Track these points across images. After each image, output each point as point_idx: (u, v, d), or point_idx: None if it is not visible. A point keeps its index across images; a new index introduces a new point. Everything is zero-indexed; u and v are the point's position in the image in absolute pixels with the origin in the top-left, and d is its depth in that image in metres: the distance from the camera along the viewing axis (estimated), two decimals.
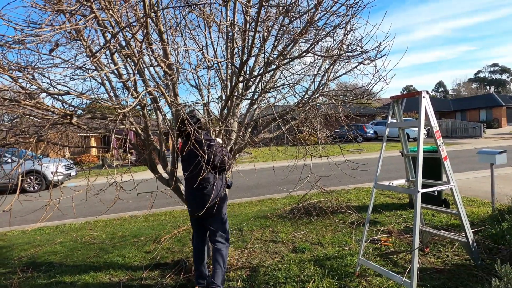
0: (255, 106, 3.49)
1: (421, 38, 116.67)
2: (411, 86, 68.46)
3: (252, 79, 2.95)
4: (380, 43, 2.52)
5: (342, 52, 2.68)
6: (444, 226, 4.06)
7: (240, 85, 3.26)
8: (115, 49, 2.39)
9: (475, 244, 2.92)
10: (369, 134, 23.19)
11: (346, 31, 2.67)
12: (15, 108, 2.24)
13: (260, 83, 3.24)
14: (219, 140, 2.84)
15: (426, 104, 2.71)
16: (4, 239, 5.08)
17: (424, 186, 2.64)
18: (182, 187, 3.12)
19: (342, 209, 4.98)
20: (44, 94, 2.37)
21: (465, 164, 9.91)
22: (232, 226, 4.71)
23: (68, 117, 1.92)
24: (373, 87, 2.83)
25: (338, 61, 2.83)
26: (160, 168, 3.21)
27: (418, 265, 2.84)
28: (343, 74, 3.04)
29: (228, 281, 2.97)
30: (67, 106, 2.50)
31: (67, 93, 2.03)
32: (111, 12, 1.97)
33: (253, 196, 7.20)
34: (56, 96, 2.19)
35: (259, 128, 3.39)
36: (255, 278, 2.99)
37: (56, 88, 2.26)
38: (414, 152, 3.11)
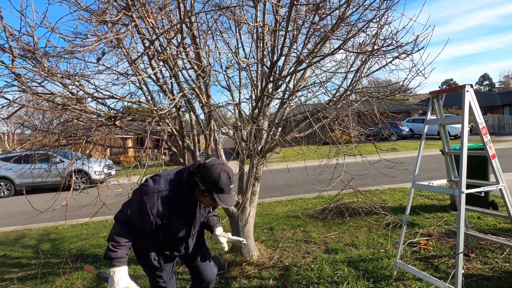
0: (285, 106, 3.48)
1: (462, 29, 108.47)
2: (451, 80, 63.72)
3: (282, 79, 2.95)
4: (418, 36, 2.40)
5: (376, 47, 2.59)
6: (492, 230, 3.75)
7: (270, 84, 3.28)
8: (152, 55, 2.52)
9: None
10: (404, 132, 22.04)
11: (380, 26, 2.57)
12: (65, 112, 2.46)
13: (291, 82, 3.24)
14: (155, 185, 1.72)
15: (470, 98, 2.53)
16: (56, 232, 5.58)
17: (468, 186, 2.47)
18: None
19: (376, 210, 4.80)
20: (89, 99, 2.58)
21: None
22: (263, 225, 4.75)
23: (112, 119, 2.07)
24: (409, 82, 2.70)
25: (371, 56, 2.74)
26: None
27: (463, 271, 2.65)
28: (377, 70, 2.93)
29: (261, 279, 3.00)
30: (110, 109, 2.70)
31: (111, 97, 2.19)
32: (149, 20, 2.09)
33: (283, 195, 7.18)
34: (101, 100, 2.37)
35: (290, 127, 3.38)
36: (288, 277, 2.99)
37: (100, 92, 2.44)
38: (456, 150, 2.91)
